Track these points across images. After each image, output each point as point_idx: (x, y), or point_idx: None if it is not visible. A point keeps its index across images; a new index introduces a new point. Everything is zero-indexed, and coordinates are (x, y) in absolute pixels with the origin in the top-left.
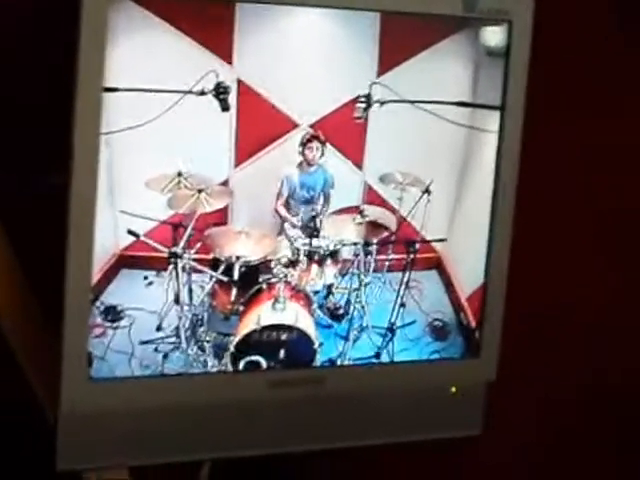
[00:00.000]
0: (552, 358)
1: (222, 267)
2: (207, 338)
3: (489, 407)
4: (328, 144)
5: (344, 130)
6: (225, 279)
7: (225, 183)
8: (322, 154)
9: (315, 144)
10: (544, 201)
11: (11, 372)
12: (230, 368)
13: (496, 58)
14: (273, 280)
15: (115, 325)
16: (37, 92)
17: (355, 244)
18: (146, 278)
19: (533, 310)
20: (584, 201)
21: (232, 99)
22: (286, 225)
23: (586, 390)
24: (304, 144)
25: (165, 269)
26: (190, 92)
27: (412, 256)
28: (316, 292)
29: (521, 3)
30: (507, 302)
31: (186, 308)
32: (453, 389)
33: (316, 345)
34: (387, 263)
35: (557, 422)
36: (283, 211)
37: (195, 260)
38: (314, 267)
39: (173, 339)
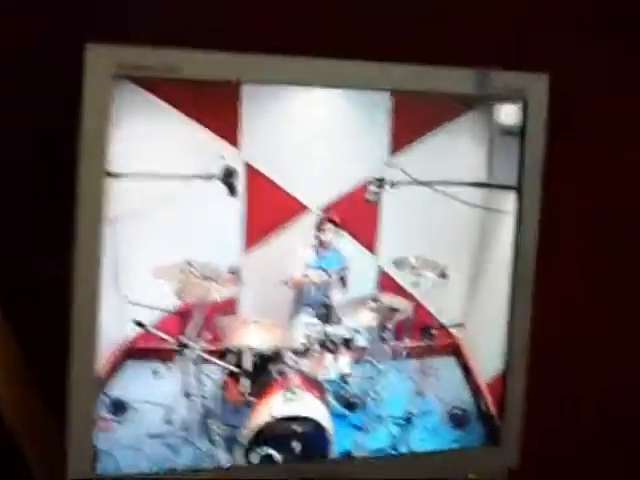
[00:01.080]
0: (577, 444)
1: (232, 357)
2: (218, 431)
3: None
4: (341, 228)
5: (356, 213)
6: (236, 370)
7: (235, 270)
8: (337, 236)
9: (328, 227)
10: (564, 283)
11: (16, 468)
12: (244, 462)
13: (511, 137)
14: (285, 370)
15: (122, 419)
16: (38, 176)
17: (370, 331)
18: (154, 370)
19: (556, 393)
20: (611, 280)
21: (240, 183)
22: (300, 310)
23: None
24: (318, 227)
25: (173, 360)
26: (196, 177)
27: (429, 342)
28: (330, 381)
29: (535, 81)
30: (529, 387)
31: (196, 400)
32: (474, 477)
33: (331, 436)
34: (403, 350)
35: None
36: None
37: (205, 350)
38: (328, 356)
39: (183, 433)
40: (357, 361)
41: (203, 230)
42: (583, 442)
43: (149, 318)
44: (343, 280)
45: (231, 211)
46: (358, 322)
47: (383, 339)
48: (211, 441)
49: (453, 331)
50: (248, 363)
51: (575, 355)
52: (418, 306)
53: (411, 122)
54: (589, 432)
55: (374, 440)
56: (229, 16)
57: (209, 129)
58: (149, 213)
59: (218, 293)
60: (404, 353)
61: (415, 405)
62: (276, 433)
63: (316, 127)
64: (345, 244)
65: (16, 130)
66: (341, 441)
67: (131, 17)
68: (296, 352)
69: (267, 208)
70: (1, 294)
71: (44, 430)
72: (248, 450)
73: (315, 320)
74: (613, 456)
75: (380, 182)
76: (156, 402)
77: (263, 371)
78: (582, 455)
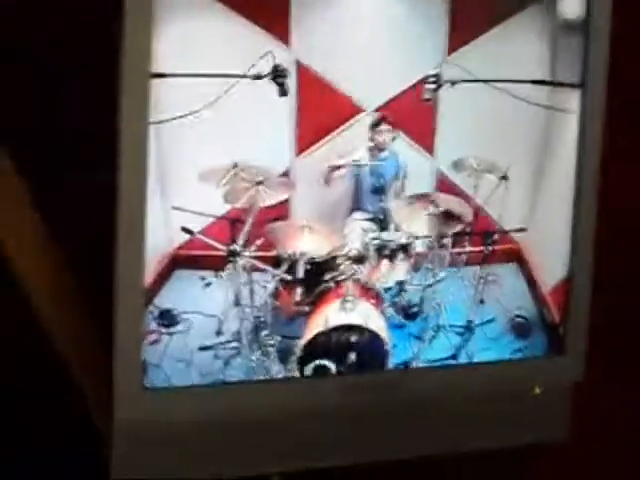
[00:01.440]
0: None
1: (285, 265)
2: (271, 342)
3: (576, 410)
4: (397, 129)
5: (413, 113)
6: (289, 278)
7: (286, 174)
8: (393, 138)
9: (385, 127)
10: (632, 187)
11: (62, 380)
12: (297, 374)
13: (575, 31)
14: (341, 278)
15: (171, 330)
16: (82, 76)
17: (428, 237)
18: (203, 279)
19: (621, 302)
20: None
21: (291, 83)
22: (354, 216)
23: None
24: (373, 127)
25: (223, 269)
26: (245, 76)
27: (490, 248)
28: (387, 289)
29: None
30: (593, 295)
31: (247, 310)
32: (537, 390)
33: (388, 347)
34: (463, 256)
35: None
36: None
37: (256, 258)
38: (385, 263)
39: (234, 344)
40: (415, 268)
41: (252, 132)
42: None
43: (197, 225)
44: (400, 184)
45: (282, 112)
46: (416, 227)
47: (442, 245)
48: (263, 352)
49: (515, 236)
50: (301, 271)
51: None
52: (478, 210)
53: (470, 18)
54: None
55: (433, 350)
56: None
57: (257, 24)
58: (195, 115)
59: (269, 197)
60: (464, 259)
61: (476, 313)
62: (331, 343)
63: (371, 24)
64: (402, 146)
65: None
66: (399, 352)
67: None
68: (351, 259)
69: (320, 109)
70: (42, 206)
71: (93, 348)
72: (301, 361)
73: (371, 225)
74: None
75: (437, 80)
76: (206, 313)
77: (317, 279)
78: None
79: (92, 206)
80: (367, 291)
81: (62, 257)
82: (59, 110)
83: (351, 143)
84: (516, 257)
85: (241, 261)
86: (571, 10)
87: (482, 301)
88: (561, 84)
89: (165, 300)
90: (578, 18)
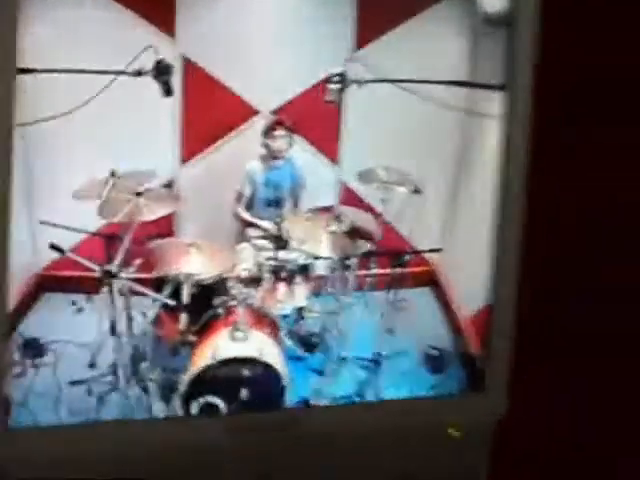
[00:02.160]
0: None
1: (168, 288)
2: (151, 376)
3: (498, 450)
4: (295, 134)
5: (314, 117)
6: (172, 303)
7: (170, 184)
8: (290, 144)
9: (281, 132)
10: (557, 199)
11: None
12: (181, 412)
13: (498, 26)
14: (231, 303)
15: (37, 362)
16: None
17: (331, 257)
18: (74, 304)
19: (544, 330)
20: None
21: (176, 81)
22: (247, 232)
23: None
24: (268, 132)
25: (98, 292)
26: (124, 72)
27: (400, 270)
28: (284, 317)
29: None
30: (518, 323)
31: (125, 340)
32: (455, 433)
33: (286, 382)
34: (370, 280)
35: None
36: (247, 216)
37: (135, 280)
38: (281, 286)
39: (109, 378)
40: (316, 293)
41: (132, 136)
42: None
43: (68, 241)
44: (296, 198)
45: (166, 114)
46: (317, 246)
47: (346, 266)
48: (143, 388)
49: (429, 257)
50: (187, 295)
51: (569, 283)
52: (388, 227)
53: (380, 10)
54: (586, 373)
55: (336, 386)
56: None
57: (139, 14)
58: (68, 115)
59: (150, 211)
60: (371, 283)
61: (384, 344)
62: (220, 378)
63: (267, 14)
64: (301, 153)
65: None
66: (297, 387)
67: None
68: (244, 281)
69: (208, 110)
70: None
71: None
72: (187, 398)
73: (266, 243)
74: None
75: (342, 79)
76: (78, 342)
77: (204, 304)
78: (578, 400)
79: None
80: (261, 318)
81: None
82: None
83: (243, 150)
84: (430, 281)
85: (118, 283)
86: (494, 3)
87: (391, 330)
88: (482, 86)
89: (31, 327)
90: (501, 12)
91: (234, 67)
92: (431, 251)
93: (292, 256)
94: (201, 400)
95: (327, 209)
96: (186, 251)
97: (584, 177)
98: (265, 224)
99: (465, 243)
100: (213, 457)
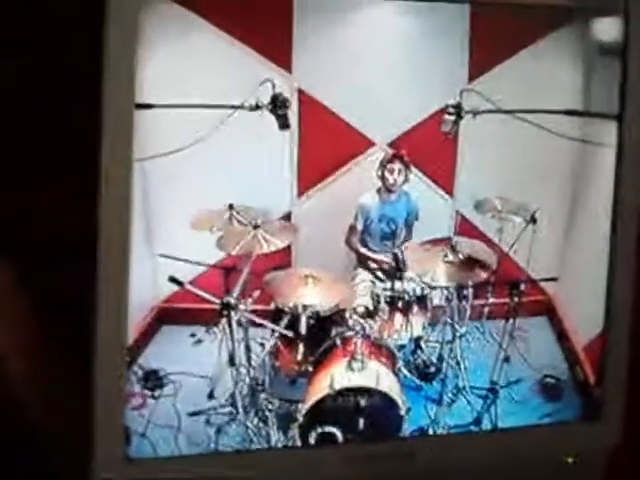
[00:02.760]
0: None
1: (286, 319)
2: (270, 406)
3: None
4: (411, 167)
5: (430, 148)
6: (290, 334)
7: (287, 217)
8: (406, 178)
9: (397, 165)
10: None
11: (35, 448)
12: (299, 442)
13: (611, 57)
14: (348, 334)
15: (157, 394)
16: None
17: (447, 287)
18: (193, 335)
19: None
20: None
21: (292, 114)
22: (363, 266)
23: None
24: (384, 166)
25: (216, 324)
26: (241, 107)
27: (516, 300)
28: (401, 347)
29: None
30: (632, 352)
31: (243, 371)
32: (570, 459)
33: (403, 411)
34: (486, 309)
35: None
36: (362, 248)
37: (253, 312)
38: (398, 317)
39: (228, 409)
40: (432, 322)
41: (249, 170)
42: None
43: (187, 274)
44: (410, 229)
45: (282, 147)
46: (433, 277)
47: (462, 296)
48: (261, 418)
49: (545, 286)
50: (304, 326)
51: None
52: (503, 257)
53: (493, 41)
54: None
55: (453, 415)
56: None
57: (255, 50)
58: (185, 150)
59: (268, 243)
60: (487, 313)
61: (500, 373)
62: (338, 407)
63: (382, 48)
64: (416, 185)
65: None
66: (414, 417)
67: None
68: (360, 313)
69: (324, 143)
70: (17, 255)
71: (68, 411)
72: (304, 428)
73: (383, 275)
74: None
75: (457, 110)
76: (196, 374)
77: (322, 335)
78: None
79: (71, 254)
80: (378, 349)
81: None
82: None
83: (359, 183)
84: (546, 309)
85: (236, 315)
86: (607, 33)
87: (507, 359)
88: (596, 115)
89: (150, 359)
90: (614, 42)
91: (350, 99)
92: (547, 280)
93: (408, 287)
94: (319, 430)
95: (443, 240)
96: (303, 283)
97: None
98: (380, 257)
99: (580, 272)
100: None
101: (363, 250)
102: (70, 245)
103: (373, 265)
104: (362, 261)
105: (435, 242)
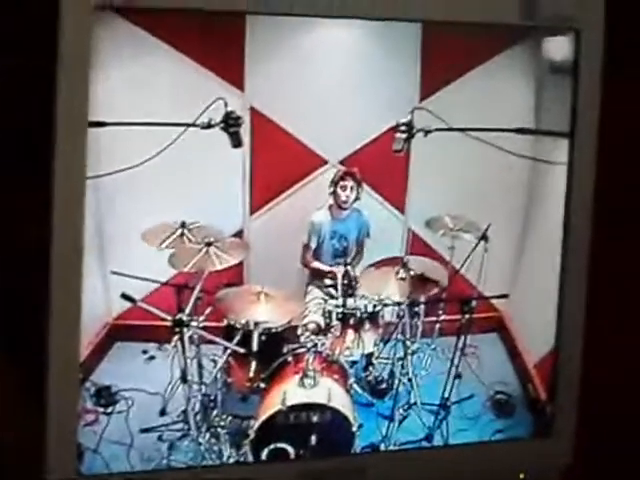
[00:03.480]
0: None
1: (238, 336)
2: (222, 423)
3: None
4: (363, 184)
5: (381, 166)
6: (242, 351)
7: (239, 234)
8: (358, 196)
9: (349, 183)
10: (625, 248)
11: None
12: (251, 458)
13: (562, 75)
14: (300, 350)
15: (110, 410)
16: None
17: (399, 304)
18: (145, 352)
19: (614, 379)
20: None
21: (245, 132)
22: (316, 281)
23: None
24: (336, 183)
25: (169, 341)
26: (194, 125)
27: (468, 316)
28: (353, 363)
29: (590, 8)
30: (583, 369)
31: (195, 387)
32: (521, 475)
33: (354, 427)
34: (438, 326)
35: None
36: (315, 263)
37: (205, 329)
38: (350, 333)
39: (180, 425)
40: (384, 339)
41: (201, 187)
42: None
43: (139, 291)
44: (360, 248)
45: (235, 165)
46: (385, 294)
47: (415, 313)
48: (213, 435)
49: (496, 303)
50: (256, 343)
51: (637, 330)
52: (455, 274)
53: (445, 60)
54: None
55: (405, 431)
56: None
57: (208, 68)
58: (138, 168)
59: (220, 261)
60: (439, 329)
61: (452, 390)
62: (289, 424)
63: (334, 67)
64: (368, 203)
65: None
66: (366, 433)
67: None
68: (312, 329)
69: (277, 161)
70: None
71: (20, 427)
72: (256, 444)
73: (334, 292)
74: None
75: (409, 128)
76: (149, 390)
77: (274, 352)
78: None
79: (21, 269)
80: (330, 365)
81: None
82: None
83: (311, 200)
84: (497, 326)
85: (188, 332)
86: (558, 52)
87: (459, 376)
88: (548, 133)
89: (103, 376)
90: (566, 60)
91: (302, 118)
92: (498, 297)
93: (360, 303)
94: (271, 446)
95: (395, 258)
96: (255, 299)
97: None
98: (334, 269)
99: (531, 289)
100: None
101: (317, 264)
102: (22, 259)
103: (325, 282)
104: (315, 277)
105: (387, 260)
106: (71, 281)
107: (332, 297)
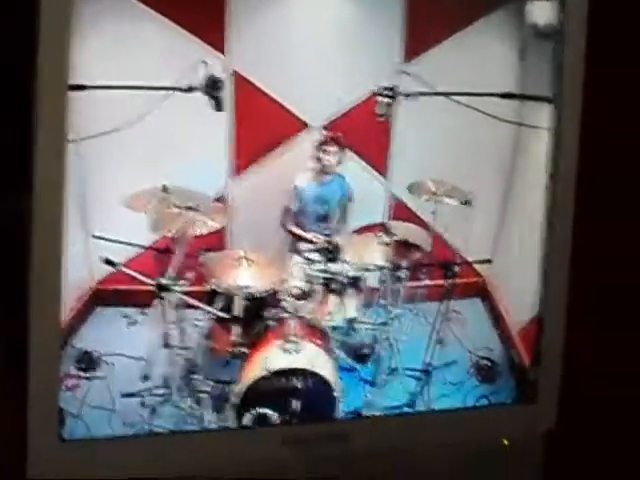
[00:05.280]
0: (621, 400)
1: (220, 301)
2: (204, 388)
3: (550, 461)
4: (346, 149)
5: (364, 131)
6: (224, 315)
7: (221, 198)
8: (341, 160)
9: (333, 148)
10: (609, 210)
11: None
12: (234, 424)
13: (546, 39)
14: (283, 315)
15: (91, 375)
16: None
17: (381, 269)
18: (127, 317)
19: (597, 344)
20: None
21: (227, 95)
22: (298, 247)
23: None
24: (319, 147)
25: (150, 305)
26: (175, 88)
27: (451, 281)
28: (335, 328)
29: None
30: (566, 335)
31: (177, 352)
32: (505, 442)
33: (337, 393)
34: (420, 291)
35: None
36: (295, 228)
37: (187, 293)
38: (332, 298)
39: (162, 390)
40: (367, 304)
41: (183, 151)
42: (632, 399)
43: (121, 256)
44: (343, 212)
45: (217, 129)
46: (367, 259)
47: (397, 278)
48: (195, 400)
49: (479, 268)
50: (239, 307)
51: (622, 293)
52: (438, 239)
53: (429, 22)
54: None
55: (387, 396)
56: None
57: (189, 31)
58: (119, 132)
59: (202, 225)
60: (422, 294)
61: (435, 355)
62: (272, 389)
63: (316, 30)
64: (350, 167)
65: None
66: (349, 398)
67: None
68: (295, 294)
69: (259, 125)
70: None
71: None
72: (239, 409)
73: (317, 256)
74: None
75: (392, 92)
76: (131, 355)
77: (256, 317)
78: (631, 413)
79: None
80: (312, 330)
81: None
82: None
83: (294, 164)
84: (480, 291)
85: (170, 297)
86: (542, 15)
87: (442, 341)
88: (532, 97)
89: (85, 341)
90: (550, 24)
91: (284, 81)
92: (481, 262)
93: (342, 268)
94: (253, 411)
95: (377, 225)
96: (238, 264)
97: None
98: (314, 237)
99: (515, 255)
100: (265, 468)
101: (297, 231)
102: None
103: (308, 246)
104: (297, 242)
105: (370, 227)
106: (52, 246)
107: (315, 262)
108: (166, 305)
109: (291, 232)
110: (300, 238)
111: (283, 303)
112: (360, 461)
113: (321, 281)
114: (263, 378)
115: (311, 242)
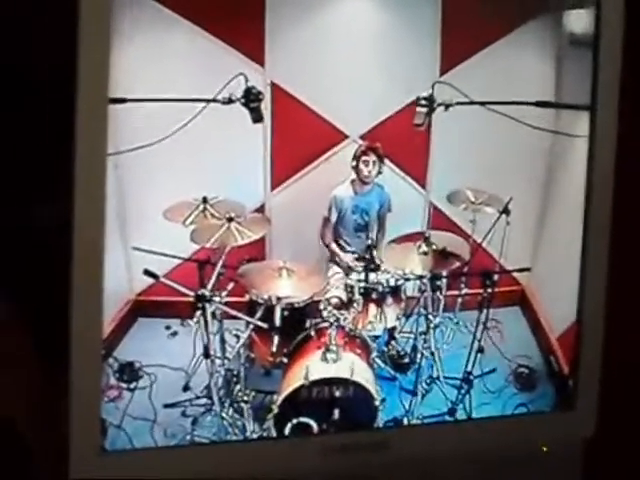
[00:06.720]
0: None
1: (260, 311)
2: (245, 398)
3: (588, 468)
4: (385, 159)
5: (402, 141)
6: (264, 326)
7: (260, 209)
8: (379, 170)
9: (372, 158)
10: None
11: (9, 441)
12: (274, 433)
13: (583, 48)
14: (323, 325)
15: (133, 386)
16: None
17: (420, 278)
18: (168, 328)
19: (637, 352)
20: None
21: (265, 107)
22: (337, 258)
23: None
24: (358, 157)
25: (191, 316)
26: (214, 100)
27: (490, 290)
28: (375, 338)
29: None
30: (606, 342)
31: (218, 362)
32: (544, 448)
33: (377, 402)
34: (460, 300)
35: None
36: (334, 245)
37: (227, 304)
38: (372, 308)
39: (204, 400)
40: (406, 314)
41: (222, 163)
42: None
43: (161, 267)
44: (382, 222)
45: (256, 140)
46: (407, 268)
47: (436, 287)
48: (236, 410)
49: (518, 276)
50: (279, 318)
51: None
52: (477, 248)
53: (466, 33)
54: None
55: (427, 405)
56: None
57: (228, 44)
58: (159, 144)
59: (241, 236)
60: (461, 303)
61: (474, 364)
62: (312, 399)
63: (354, 41)
64: (389, 178)
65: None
66: (389, 407)
67: None
68: (335, 304)
69: (297, 136)
70: None
71: (44, 405)
72: (279, 419)
73: (357, 266)
74: None
75: (430, 103)
76: (172, 366)
77: (296, 327)
78: None
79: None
80: (352, 340)
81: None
82: None
83: (332, 175)
84: (519, 300)
85: (211, 308)
86: (578, 25)
87: (481, 350)
88: (568, 106)
89: (126, 352)
90: (586, 33)
91: (322, 92)
92: (520, 270)
93: (382, 278)
94: (294, 421)
95: (416, 234)
96: (277, 275)
97: None
98: (348, 258)
99: (553, 262)
100: (306, 477)
101: (334, 247)
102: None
103: (348, 256)
104: (335, 256)
105: (409, 236)
106: (93, 258)
107: (354, 272)
108: (207, 316)
109: (329, 247)
110: (337, 256)
111: (323, 313)
112: (400, 470)
113: (361, 291)
114: (303, 387)
115: (353, 252)
